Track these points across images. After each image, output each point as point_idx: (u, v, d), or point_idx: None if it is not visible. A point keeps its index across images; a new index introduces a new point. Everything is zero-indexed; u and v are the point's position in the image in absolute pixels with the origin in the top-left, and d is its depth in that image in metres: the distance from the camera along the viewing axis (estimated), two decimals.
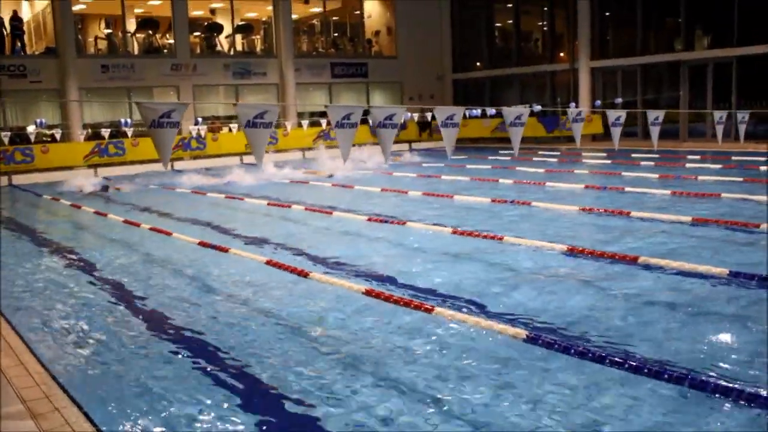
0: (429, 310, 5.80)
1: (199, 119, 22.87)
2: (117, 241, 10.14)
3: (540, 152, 21.16)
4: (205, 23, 27.61)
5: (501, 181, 14.63)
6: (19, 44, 23.36)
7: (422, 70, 29.83)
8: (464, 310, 5.92)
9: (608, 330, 5.34)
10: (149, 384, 4.70)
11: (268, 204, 12.96)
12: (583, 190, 13.05)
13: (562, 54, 27.75)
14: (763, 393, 4.06)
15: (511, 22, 29.69)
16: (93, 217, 12.71)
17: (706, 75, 22.64)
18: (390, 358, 4.96)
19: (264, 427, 4.09)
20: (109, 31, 25.52)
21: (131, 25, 25.90)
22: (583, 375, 4.49)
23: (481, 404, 4.19)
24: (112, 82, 24.00)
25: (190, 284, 7.37)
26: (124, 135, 21.82)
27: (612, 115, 9.65)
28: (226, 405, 4.34)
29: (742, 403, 4.00)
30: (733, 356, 4.75)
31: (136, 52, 25.46)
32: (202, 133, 22.91)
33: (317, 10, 29.77)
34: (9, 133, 20.44)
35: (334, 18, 31.21)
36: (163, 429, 4.10)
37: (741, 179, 12.85)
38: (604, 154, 19.29)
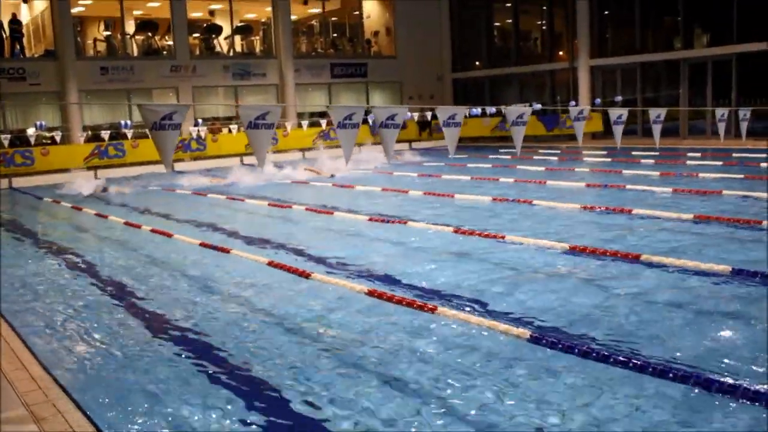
0: (432, 310, 5.79)
1: (199, 121, 22.88)
2: (118, 243, 10.13)
3: (540, 151, 21.15)
4: (204, 25, 27.61)
5: (502, 179, 14.62)
6: (18, 47, 23.36)
7: (422, 69, 29.82)
8: (467, 309, 5.91)
9: (611, 329, 5.33)
10: (152, 387, 4.69)
11: (269, 204, 12.96)
12: (584, 188, 13.04)
13: (561, 53, 27.75)
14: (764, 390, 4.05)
15: (510, 21, 29.69)
16: (94, 219, 12.70)
17: (706, 73, 22.63)
18: (393, 359, 4.95)
19: (268, 428, 4.08)
20: (108, 33, 25.52)
21: (130, 27, 25.90)
22: (587, 374, 4.48)
23: (486, 404, 4.17)
24: (111, 84, 24.00)
25: (192, 285, 7.36)
26: (124, 137, 21.82)
27: (614, 113, 9.63)
28: (229, 407, 4.33)
29: (747, 401, 3.99)
30: (736, 354, 4.73)
31: (135, 53, 25.46)
32: (202, 134, 22.92)
33: (316, 10, 29.76)
34: (9, 136, 20.46)
35: (333, 18, 31.20)
36: (167, 431, 4.10)
37: (742, 176, 12.84)
38: (605, 152, 19.28)
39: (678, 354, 4.75)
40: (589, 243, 7.98)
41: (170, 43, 25.76)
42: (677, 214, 9.35)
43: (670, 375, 4.29)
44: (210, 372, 4.90)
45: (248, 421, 4.14)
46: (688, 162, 16.24)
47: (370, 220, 10.53)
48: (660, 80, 24.68)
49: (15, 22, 23.37)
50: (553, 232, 8.88)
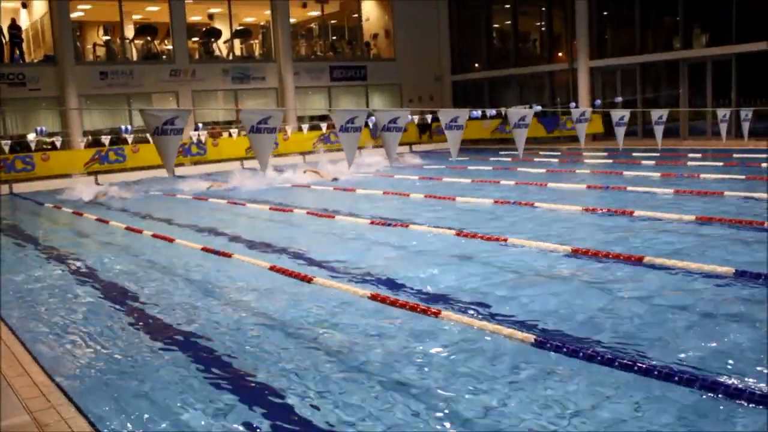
0: (436, 314, 5.77)
1: (200, 125, 22.87)
2: (119, 248, 10.12)
3: (541, 153, 21.14)
4: (204, 29, 27.62)
5: (502, 182, 14.61)
6: (17, 52, 23.36)
7: (421, 71, 29.84)
8: (470, 312, 5.90)
9: (615, 331, 5.31)
10: (155, 392, 4.68)
11: (271, 209, 12.94)
12: (586, 190, 13.03)
13: (560, 54, 27.75)
14: None
15: (509, 22, 29.71)
16: (95, 225, 12.69)
17: (705, 73, 22.64)
18: (397, 363, 4.93)
19: None
20: (108, 37, 25.53)
21: (129, 31, 25.90)
22: (591, 378, 4.46)
23: (491, 408, 4.16)
24: (111, 88, 24.00)
25: (194, 290, 7.34)
26: (124, 141, 21.81)
27: (616, 114, 9.63)
28: (232, 412, 4.32)
29: (753, 405, 3.97)
30: (741, 356, 4.72)
31: (134, 58, 25.46)
32: (203, 138, 22.92)
33: (315, 13, 29.79)
34: (9, 142, 20.46)
35: (332, 21, 31.22)
36: None
37: (743, 177, 12.83)
38: (605, 154, 19.28)
39: (682, 356, 4.74)
40: (592, 245, 7.97)
41: (170, 47, 25.77)
42: (679, 216, 9.33)
43: (676, 378, 4.28)
44: (213, 377, 4.89)
45: (252, 426, 4.13)
46: (689, 163, 16.24)
47: (372, 223, 10.52)
48: (660, 81, 24.69)
49: (14, 27, 23.38)
50: (554, 234, 8.87)
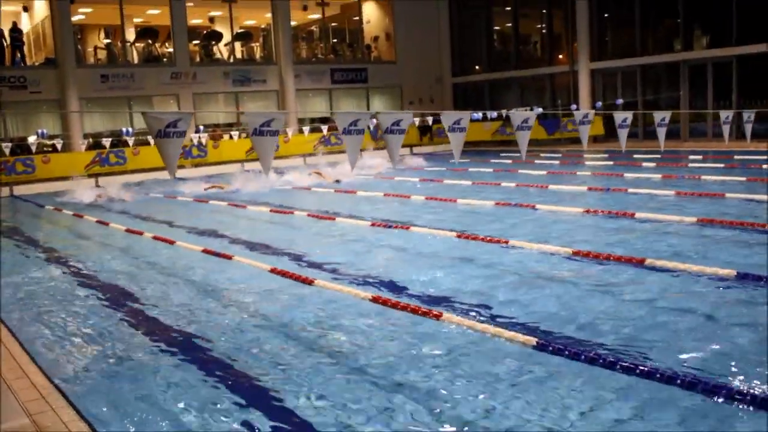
0: (437, 317, 5.75)
1: (201, 127, 22.88)
2: (120, 250, 10.11)
3: (542, 155, 21.14)
4: (205, 31, 27.65)
5: (503, 184, 14.59)
6: (18, 55, 23.40)
7: (421, 74, 29.85)
8: (472, 314, 5.88)
9: (617, 334, 5.29)
10: (155, 394, 4.66)
11: (271, 211, 12.94)
12: (587, 192, 13.02)
13: (561, 56, 27.75)
14: None
15: (509, 25, 29.72)
16: (95, 227, 12.68)
17: (706, 75, 22.63)
18: (398, 365, 4.91)
19: None
20: (109, 40, 25.56)
21: (130, 34, 25.94)
22: (593, 381, 4.45)
23: (493, 410, 4.14)
24: (112, 91, 24.02)
25: (194, 292, 7.33)
26: (125, 144, 21.82)
27: (619, 116, 9.62)
28: (233, 414, 4.30)
29: (755, 408, 3.96)
30: (743, 359, 4.70)
31: (135, 61, 25.49)
32: (203, 140, 22.92)
33: (316, 16, 29.82)
34: (10, 144, 20.47)
35: (333, 24, 31.25)
36: None
37: (744, 179, 12.82)
38: (606, 155, 19.26)
39: (683, 357, 4.72)
40: (593, 247, 7.95)
41: (170, 50, 25.79)
42: (680, 218, 9.32)
43: (678, 381, 4.26)
44: (213, 379, 4.87)
45: (252, 428, 4.11)
46: (690, 165, 16.22)
47: (373, 225, 10.50)
48: (660, 82, 24.68)
49: (15, 30, 23.42)
50: (556, 236, 8.85)
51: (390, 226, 10.25)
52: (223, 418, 4.28)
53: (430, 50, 30.26)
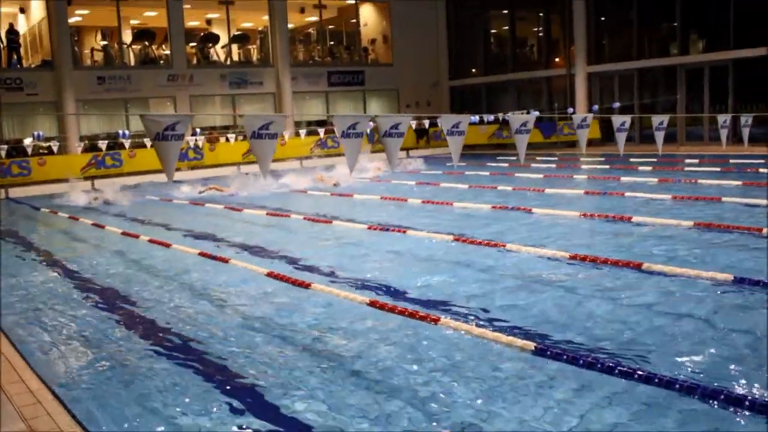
0: (435, 321, 5.74)
1: (197, 130, 22.84)
2: (116, 253, 10.07)
3: (538, 158, 21.15)
4: (201, 34, 27.63)
5: (500, 187, 14.60)
6: (15, 57, 23.34)
7: (418, 77, 29.87)
8: (470, 318, 5.87)
9: (615, 338, 5.29)
10: (152, 399, 4.64)
11: (268, 214, 12.91)
12: (583, 196, 13.02)
13: (557, 59, 27.80)
14: None
15: (506, 28, 29.77)
16: (91, 230, 12.64)
17: (703, 78, 22.69)
18: (395, 369, 4.90)
19: None
20: (105, 42, 25.52)
21: (127, 36, 25.90)
22: (591, 385, 4.44)
23: (490, 415, 4.13)
24: (108, 93, 23.98)
25: (191, 295, 7.30)
26: (121, 146, 21.79)
27: (617, 120, 9.63)
28: (230, 418, 4.28)
29: (752, 413, 3.95)
30: (740, 364, 4.70)
31: (132, 63, 25.45)
32: (200, 143, 22.88)
33: (313, 19, 29.82)
34: (6, 146, 20.41)
35: (330, 27, 31.26)
36: None
37: (741, 182, 12.84)
38: (602, 159, 19.28)
39: (681, 360, 4.71)
40: (590, 251, 7.95)
41: (167, 52, 25.75)
42: (677, 222, 9.33)
43: (676, 386, 4.25)
44: (209, 383, 4.85)
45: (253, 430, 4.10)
46: (687, 168, 16.24)
47: (369, 228, 10.49)
48: (657, 86, 24.74)
49: (12, 32, 23.37)
50: (552, 240, 8.85)
51: (387, 230, 10.24)
52: (219, 423, 4.26)
53: (427, 53, 30.28)
